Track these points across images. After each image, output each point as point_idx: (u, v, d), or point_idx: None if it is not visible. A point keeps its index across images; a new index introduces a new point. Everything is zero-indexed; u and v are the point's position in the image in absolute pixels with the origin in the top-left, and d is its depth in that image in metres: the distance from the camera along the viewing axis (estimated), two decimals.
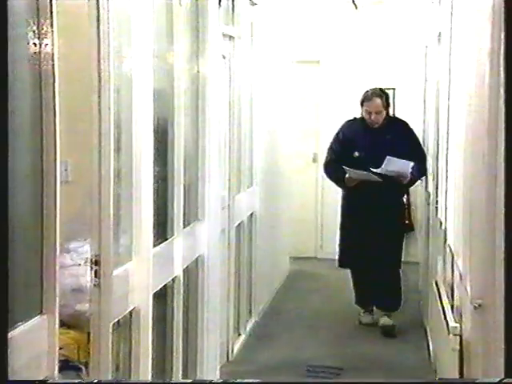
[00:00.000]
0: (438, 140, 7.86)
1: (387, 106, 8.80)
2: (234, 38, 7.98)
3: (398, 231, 9.03)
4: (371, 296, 9.13)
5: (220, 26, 7.06)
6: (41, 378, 3.40)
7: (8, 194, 2.07)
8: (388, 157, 8.28)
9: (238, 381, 4.89)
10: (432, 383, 4.20)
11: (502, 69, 3.26)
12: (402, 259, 9.15)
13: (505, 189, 3.21)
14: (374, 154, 8.48)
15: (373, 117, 8.67)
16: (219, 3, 6.93)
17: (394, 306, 8.97)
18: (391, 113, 9.57)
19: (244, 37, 8.37)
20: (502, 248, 3.23)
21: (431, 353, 7.46)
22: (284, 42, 10.79)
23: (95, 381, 2.99)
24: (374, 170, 8.46)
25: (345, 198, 9.15)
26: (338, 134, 9.07)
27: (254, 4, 8.77)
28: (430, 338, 7.81)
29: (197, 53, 6.51)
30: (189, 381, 4.13)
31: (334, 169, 8.92)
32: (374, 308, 9.13)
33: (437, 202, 7.61)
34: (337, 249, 9.36)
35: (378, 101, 8.66)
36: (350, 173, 8.53)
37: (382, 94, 8.77)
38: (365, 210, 8.68)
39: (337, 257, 9.28)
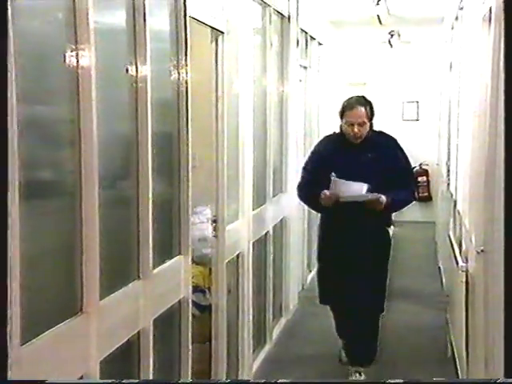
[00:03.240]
0: (449, 136, 7.73)
1: (371, 116, 5.13)
2: (306, 67, 7.94)
3: (382, 267, 5.21)
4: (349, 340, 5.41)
5: (297, 60, 7.04)
6: (133, 332, 2.98)
7: (8, 194, 1.89)
8: (334, 178, 4.94)
9: (245, 380, 4.65)
10: (440, 383, 3.48)
11: (501, 85, 3.19)
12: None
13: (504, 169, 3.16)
14: (354, 175, 4.97)
15: (355, 129, 5.01)
16: (297, 44, 6.91)
17: (367, 360, 5.29)
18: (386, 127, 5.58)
19: (313, 66, 8.34)
20: (499, 209, 3.19)
21: (444, 284, 7.38)
22: (341, 69, 10.72)
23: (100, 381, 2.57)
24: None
25: (322, 227, 5.40)
26: (313, 151, 5.47)
27: (320, 44, 8.72)
28: (442, 273, 7.73)
29: (282, 78, 6.51)
30: (195, 380, 3.61)
31: (308, 190, 5.23)
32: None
33: (448, 179, 7.50)
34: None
35: (362, 110, 5.04)
36: (337, 183, 4.93)
37: (366, 102, 5.15)
38: (344, 240, 5.12)
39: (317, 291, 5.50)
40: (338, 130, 5.18)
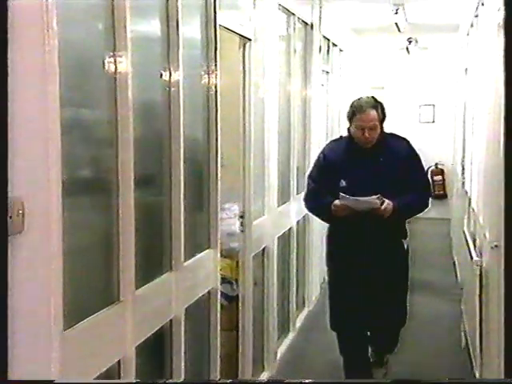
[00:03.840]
0: (464, 137, 7.69)
1: (383, 119, 4.49)
2: (328, 72, 7.93)
3: (401, 283, 4.60)
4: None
5: (320, 65, 7.03)
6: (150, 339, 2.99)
7: (7, 194, 1.76)
8: (341, 196, 4.31)
9: (245, 380, 4.28)
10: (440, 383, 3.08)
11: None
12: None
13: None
14: (365, 182, 4.38)
15: (366, 134, 4.38)
16: (319, 50, 6.90)
17: (389, 351, 4.91)
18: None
19: (335, 72, 8.33)
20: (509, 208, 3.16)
21: (458, 277, 7.34)
22: (361, 74, 10.68)
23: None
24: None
25: (331, 242, 4.69)
26: (319, 157, 4.70)
27: (341, 51, 8.70)
28: (457, 267, 7.68)
29: (305, 82, 6.51)
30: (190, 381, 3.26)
31: (316, 199, 4.57)
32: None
33: (463, 178, 7.46)
34: None
35: (373, 113, 4.39)
36: (345, 200, 4.32)
37: (376, 103, 4.46)
38: (357, 259, 4.43)
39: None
40: (345, 134, 4.58)
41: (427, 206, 4.59)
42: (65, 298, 2.06)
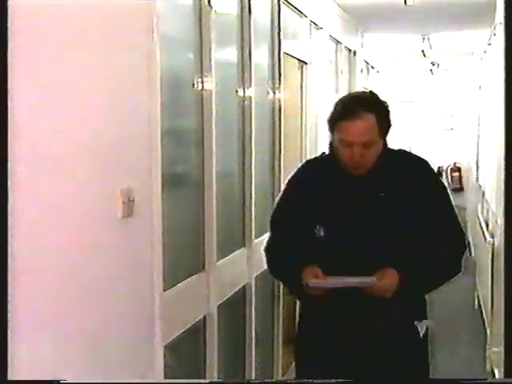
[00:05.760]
0: (478, 141, 7.47)
1: (386, 129, 1.94)
2: (367, 89, 7.80)
3: None
4: None
5: (361, 83, 6.92)
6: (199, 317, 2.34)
7: (8, 194, 1.28)
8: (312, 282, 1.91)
9: (245, 380, 3.00)
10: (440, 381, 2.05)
11: None
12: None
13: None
14: (355, 232, 1.93)
15: (355, 154, 1.89)
16: (361, 72, 6.80)
17: None
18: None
19: (373, 89, 8.18)
20: None
21: (472, 254, 7.15)
22: (393, 91, 10.53)
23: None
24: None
25: (302, 327, 2.12)
26: (287, 188, 2.11)
27: (378, 72, 8.57)
28: (472, 246, 7.49)
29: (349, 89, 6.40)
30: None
31: (277, 259, 2.06)
32: None
33: (477, 174, 7.27)
34: None
35: (369, 120, 1.87)
36: (318, 284, 1.90)
37: (375, 103, 1.95)
38: (341, 353, 1.97)
39: None
40: (328, 151, 2.10)
41: (459, 269, 2.09)
42: (164, 267, 2.07)
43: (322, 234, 2.00)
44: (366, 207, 2.00)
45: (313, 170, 2.12)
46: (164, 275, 2.06)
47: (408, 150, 2.27)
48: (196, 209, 2.53)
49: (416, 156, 2.12)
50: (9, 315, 1.28)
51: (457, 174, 11.16)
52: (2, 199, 1.28)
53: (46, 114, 1.46)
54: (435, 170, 2.25)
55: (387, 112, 2.01)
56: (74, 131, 1.57)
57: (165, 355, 2.08)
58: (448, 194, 2.09)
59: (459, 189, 11.08)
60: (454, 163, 11.06)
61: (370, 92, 2.12)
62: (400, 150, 2.11)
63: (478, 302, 5.35)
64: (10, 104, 1.29)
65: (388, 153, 2.03)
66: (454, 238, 2.08)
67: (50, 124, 1.48)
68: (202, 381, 2.49)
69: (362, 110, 1.93)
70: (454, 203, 2.07)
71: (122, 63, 1.81)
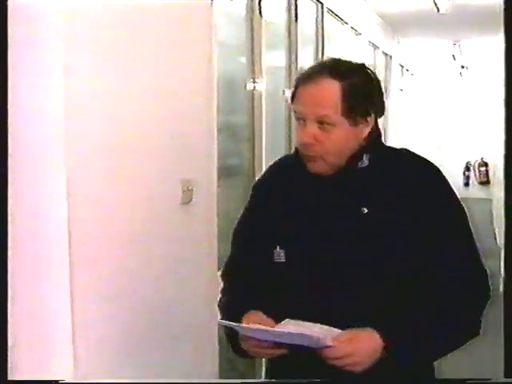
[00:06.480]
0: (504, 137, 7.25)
1: (364, 109, 1.08)
2: (402, 90, 7.71)
3: None
4: None
5: (397, 85, 6.84)
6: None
7: (7, 194, 1.13)
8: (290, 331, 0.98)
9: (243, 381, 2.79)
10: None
11: None
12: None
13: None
14: (323, 262, 1.08)
15: (307, 132, 1.08)
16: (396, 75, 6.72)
17: None
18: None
19: (407, 89, 8.08)
20: None
21: (497, 240, 6.95)
22: (425, 91, 10.38)
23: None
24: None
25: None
26: (252, 191, 1.33)
27: (412, 74, 8.47)
28: (497, 234, 7.28)
29: (386, 98, 6.32)
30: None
31: (227, 293, 1.23)
32: None
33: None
34: None
35: (330, 85, 1.03)
36: (251, 331, 1.02)
37: (344, 68, 1.07)
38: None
39: None
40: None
41: (476, 329, 1.20)
42: (219, 247, 2.10)
43: (281, 257, 1.19)
44: (339, 227, 1.16)
45: (280, 171, 1.30)
46: (218, 257, 2.09)
47: (413, 151, 1.26)
48: (246, 197, 2.54)
49: (423, 159, 1.22)
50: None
51: (484, 168, 11.01)
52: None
53: (121, 115, 1.51)
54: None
55: (368, 86, 1.16)
56: (143, 130, 1.62)
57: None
58: (465, 216, 1.24)
59: (486, 182, 10.94)
60: (482, 158, 10.91)
61: (348, 61, 1.20)
62: (402, 149, 1.24)
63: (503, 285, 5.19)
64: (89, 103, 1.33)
65: (379, 151, 1.20)
66: (470, 281, 1.20)
67: (123, 124, 1.52)
68: (221, 381, 2.12)
69: (322, 73, 1.13)
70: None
71: (184, 67, 1.85)
